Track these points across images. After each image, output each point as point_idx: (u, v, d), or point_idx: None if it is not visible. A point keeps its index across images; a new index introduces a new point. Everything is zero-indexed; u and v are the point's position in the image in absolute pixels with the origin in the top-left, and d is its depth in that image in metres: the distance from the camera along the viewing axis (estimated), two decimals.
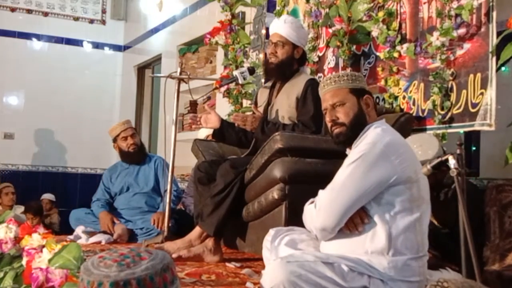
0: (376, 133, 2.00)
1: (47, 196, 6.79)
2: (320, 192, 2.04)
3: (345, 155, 2.13)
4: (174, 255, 2.72)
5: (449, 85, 2.98)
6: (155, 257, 1.22)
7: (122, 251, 1.24)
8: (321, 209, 1.96)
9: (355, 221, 1.94)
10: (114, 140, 4.04)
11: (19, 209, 5.81)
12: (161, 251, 1.27)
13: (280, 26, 3.11)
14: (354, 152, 1.99)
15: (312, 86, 3.02)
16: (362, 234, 1.94)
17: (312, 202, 2.14)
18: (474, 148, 3.43)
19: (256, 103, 3.34)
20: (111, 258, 1.20)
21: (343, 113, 2.07)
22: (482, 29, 2.83)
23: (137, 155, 4.01)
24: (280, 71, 3.12)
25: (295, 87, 3.08)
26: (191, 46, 6.05)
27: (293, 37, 3.08)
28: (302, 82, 3.06)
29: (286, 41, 3.08)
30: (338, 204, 1.93)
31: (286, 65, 3.10)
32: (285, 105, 3.08)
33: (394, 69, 3.33)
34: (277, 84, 3.21)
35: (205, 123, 3.12)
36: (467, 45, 2.90)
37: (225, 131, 3.12)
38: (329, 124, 2.12)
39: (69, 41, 7.64)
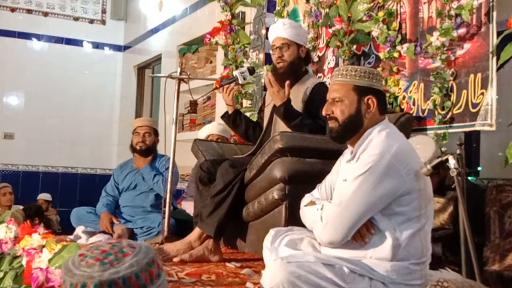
0: (382, 140, 1.95)
1: (43, 196, 6.77)
2: (327, 204, 2.01)
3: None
4: (176, 259, 2.72)
5: (450, 85, 2.98)
6: (138, 252, 1.17)
7: (104, 247, 1.17)
8: (329, 223, 1.93)
9: (361, 233, 1.92)
10: (132, 132, 4.05)
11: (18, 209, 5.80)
12: (144, 243, 1.22)
13: (280, 30, 3.08)
14: (361, 164, 1.94)
15: (319, 90, 2.98)
16: (367, 244, 1.93)
17: (311, 202, 2.13)
18: (474, 148, 3.44)
19: (264, 103, 3.34)
20: (93, 257, 1.14)
21: (339, 110, 2.03)
22: (482, 29, 2.83)
23: (141, 154, 3.99)
24: (292, 73, 3.07)
25: (301, 90, 3.05)
26: (191, 46, 6.05)
27: (295, 36, 3.06)
28: (310, 86, 3.04)
29: (290, 42, 3.05)
30: (346, 218, 1.90)
31: (296, 66, 3.08)
32: None
33: (394, 69, 3.33)
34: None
35: (227, 96, 3.23)
36: (467, 45, 2.90)
37: (237, 117, 3.28)
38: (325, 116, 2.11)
39: (69, 41, 7.64)
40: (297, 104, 3.03)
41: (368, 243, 1.92)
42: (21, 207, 5.84)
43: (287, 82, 2.93)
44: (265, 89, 3.69)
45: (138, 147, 3.96)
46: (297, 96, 3.05)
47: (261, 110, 3.40)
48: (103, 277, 1.10)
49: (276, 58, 3.08)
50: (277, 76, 3.06)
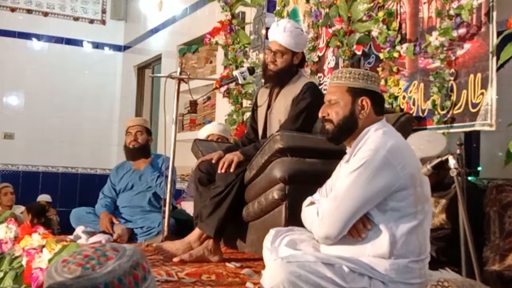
0: (377, 137, 1.97)
1: (43, 198, 6.74)
2: (323, 200, 2.03)
3: (344, 155, 2.13)
4: (175, 259, 2.72)
5: (450, 85, 2.98)
6: (122, 255, 1.13)
7: (87, 252, 1.14)
8: (324, 217, 1.95)
9: (358, 228, 1.93)
10: (125, 134, 4.04)
11: (19, 209, 5.80)
12: (130, 245, 1.20)
13: (279, 35, 3.02)
14: (356, 159, 1.96)
15: (308, 89, 2.99)
16: (364, 240, 1.93)
17: (311, 203, 2.14)
18: (474, 148, 3.43)
19: (256, 104, 3.33)
20: (75, 262, 1.11)
21: (334, 112, 2.06)
22: (482, 29, 2.83)
23: (135, 152, 3.98)
24: (279, 79, 3.08)
25: (292, 90, 3.05)
26: (191, 46, 6.06)
27: (293, 45, 3.01)
28: (300, 85, 3.03)
29: (285, 50, 3.01)
30: (341, 212, 1.91)
31: (286, 73, 3.07)
32: (282, 109, 3.05)
33: (394, 69, 3.33)
34: (276, 87, 3.19)
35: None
36: (467, 45, 2.90)
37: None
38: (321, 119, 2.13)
39: (69, 41, 7.65)
40: (288, 104, 3.03)
41: (365, 239, 1.93)
42: (22, 207, 5.85)
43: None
44: None
45: (131, 146, 3.94)
46: (287, 97, 3.05)
47: (254, 111, 3.36)
48: (83, 283, 1.06)
49: (268, 60, 3.06)
50: (266, 77, 3.13)
